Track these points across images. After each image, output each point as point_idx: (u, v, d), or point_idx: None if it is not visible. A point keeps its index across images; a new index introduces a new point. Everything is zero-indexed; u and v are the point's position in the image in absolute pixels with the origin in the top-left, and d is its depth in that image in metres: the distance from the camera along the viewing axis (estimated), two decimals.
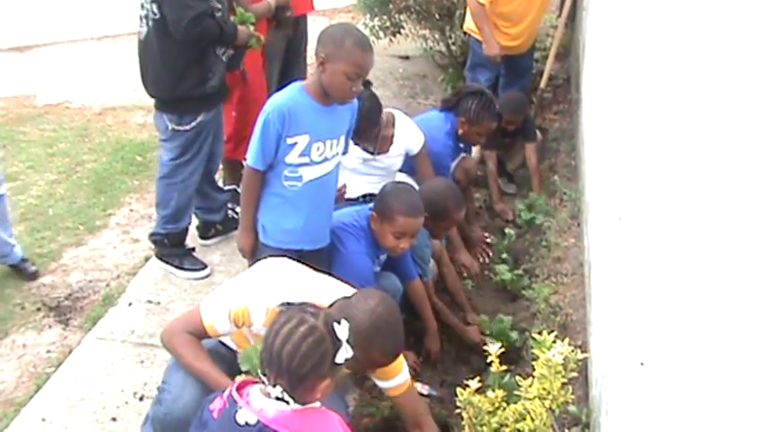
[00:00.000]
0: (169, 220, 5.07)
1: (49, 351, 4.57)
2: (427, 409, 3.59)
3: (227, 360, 3.20)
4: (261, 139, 3.78)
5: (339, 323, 2.54)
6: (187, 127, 4.79)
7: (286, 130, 3.74)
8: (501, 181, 6.62)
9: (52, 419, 4.03)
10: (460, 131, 5.36)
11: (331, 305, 3.16)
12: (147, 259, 5.38)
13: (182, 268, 5.17)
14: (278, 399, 2.51)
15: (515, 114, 6.25)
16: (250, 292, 3.15)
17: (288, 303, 2.56)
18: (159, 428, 3.29)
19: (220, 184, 5.67)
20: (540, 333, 3.22)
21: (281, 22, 5.68)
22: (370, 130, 4.73)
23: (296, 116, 3.75)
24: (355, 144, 4.73)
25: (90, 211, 6.07)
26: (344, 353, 2.53)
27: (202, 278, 5.15)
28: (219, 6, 4.63)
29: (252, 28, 4.90)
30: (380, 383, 3.44)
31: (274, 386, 2.51)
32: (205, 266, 5.21)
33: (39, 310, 4.93)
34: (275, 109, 3.75)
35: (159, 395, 3.30)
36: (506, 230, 5.76)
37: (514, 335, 4.47)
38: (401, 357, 3.35)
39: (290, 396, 2.50)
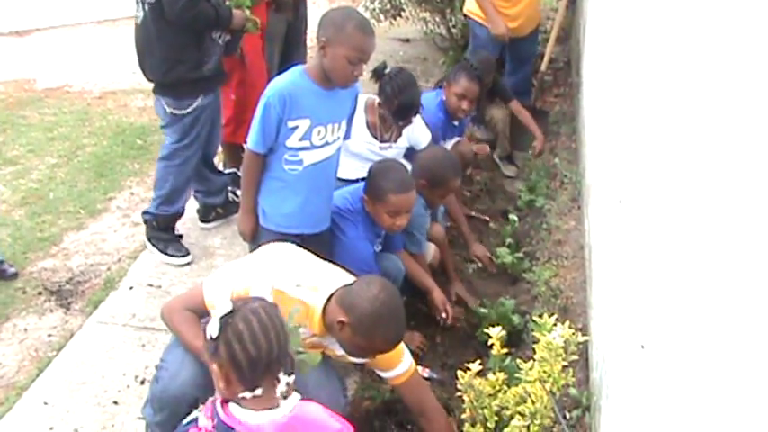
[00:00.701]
0: (163, 202, 5.08)
1: (50, 335, 4.58)
2: (432, 395, 3.59)
3: None
4: (261, 122, 3.76)
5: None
6: (185, 111, 4.80)
7: (287, 113, 3.73)
8: (501, 164, 6.60)
9: (54, 403, 4.04)
10: (445, 98, 5.42)
11: (332, 294, 3.16)
12: None
13: (165, 252, 5.19)
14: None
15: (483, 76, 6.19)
16: (253, 275, 3.16)
17: (226, 315, 2.46)
18: (157, 406, 3.30)
19: (220, 167, 5.67)
20: (540, 316, 3.23)
21: (280, 6, 5.66)
22: (406, 116, 4.74)
23: (297, 100, 3.74)
24: (369, 131, 4.76)
25: (91, 194, 6.06)
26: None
27: (182, 265, 5.15)
28: None
29: (248, 12, 4.88)
30: (383, 374, 3.43)
31: (278, 381, 2.48)
32: (187, 253, 5.21)
33: (40, 294, 4.93)
34: (276, 93, 3.74)
35: (157, 373, 3.32)
36: (510, 216, 5.75)
37: (516, 318, 4.47)
38: (402, 346, 3.35)
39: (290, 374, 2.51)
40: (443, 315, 4.46)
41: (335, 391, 3.51)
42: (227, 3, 4.78)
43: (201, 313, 3.21)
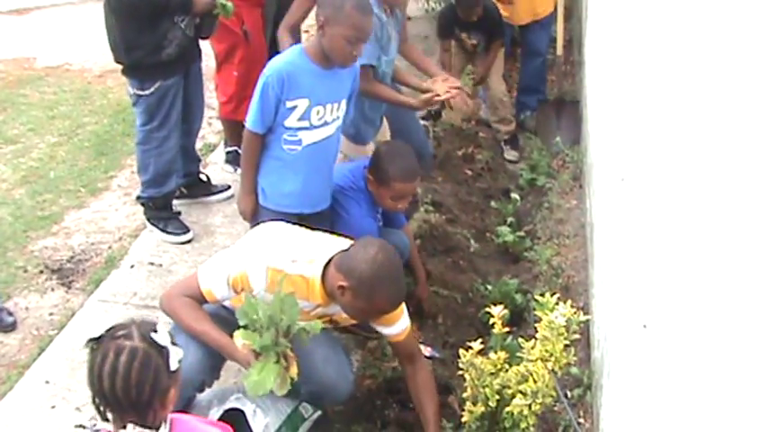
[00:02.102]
0: (150, 185, 5.08)
1: (51, 314, 4.57)
2: (419, 347, 3.69)
3: (230, 322, 3.20)
4: (260, 102, 3.75)
5: (155, 331, 2.32)
6: (147, 92, 4.78)
7: (285, 93, 3.72)
8: (504, 148, 6.56)
9: (56, 381, 4.04)
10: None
11: (330, 260, 3.17)
12: None
13: (165, 231, 5.18)
14: None
15: (470, 8, 6.17)
16: (247, 257, 3.18)
17: (93, 339, 2.28)
18: None
19: (222, 147, 5.66)
20: (542, 295, 3.22)
21: None
22: None
23: (295, 79, 3.73)
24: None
25: (91, 173, 6.05)
26: (176, 355, 2.33)
27: (184, 242, 5.15)
28: None
29: None
30: (383, 330, 3.47)
31: (125, 428, 2.27)
32: (187, 230, 5.21)
33: (41, 272, 4.92)
34: (274, 72, 3.73)
35: None
36: (512, 195, 5.74)
37: (518, 297, 4.47)
38: (402, 306, 3.37)
39: (146, 427, 2.28)
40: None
41: (343, 365, 3.55)
42: None
43: (200, 301, 3.23)
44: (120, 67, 4.85)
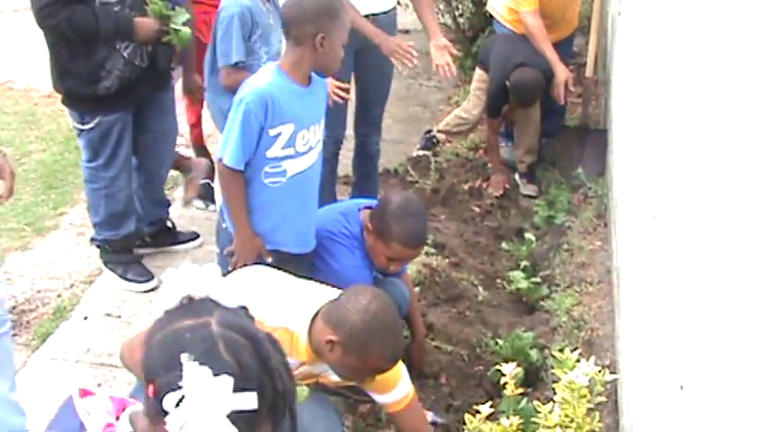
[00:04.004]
0: (103, 228, 5.10)
1: None
2: (425, 418, 3.65)
3: None
4: (241, 134, 3.73)
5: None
6: (87, 126, 4.80)
7: (270, 120, 3.73)
8: (520, 181, 6.58)
9: None
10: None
11: (317, 312, 3.17)
12: None
13: (124, 278, 5.17)
14: None
15: (527, 101, 6.31)
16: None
17: None
18: None
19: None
20: (561, 351, 3.22)
21: None
22: None
23: (279, 104, 3.75)
24: None
25: (38, 209, 6.04)
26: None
27: (147, 291, 5.13)
28: None
29: (181, 21, 4.70)
30: (378, 398, 3.45)
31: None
32: (150, 277, 5.19)
33: None
34: (256, 98, 3.73)
35: None
36: (526, 235, 5.74)
37: (534, 353, 4.46)
38: (401, 366, 3.36)
39: None
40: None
41: (333, 424, 3.52)
42: (149, 8, 4.65)
43: None
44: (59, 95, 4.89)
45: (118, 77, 4.69)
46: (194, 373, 1.71)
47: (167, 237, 5.56)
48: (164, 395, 1.72)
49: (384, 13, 5.24)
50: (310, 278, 3.63)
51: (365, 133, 5.63)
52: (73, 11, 4.42)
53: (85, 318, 4.91)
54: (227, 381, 1.71)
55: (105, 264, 5.22)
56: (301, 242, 4.06)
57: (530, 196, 6.46)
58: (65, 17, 4.42)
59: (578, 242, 5.35)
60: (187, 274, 1.91)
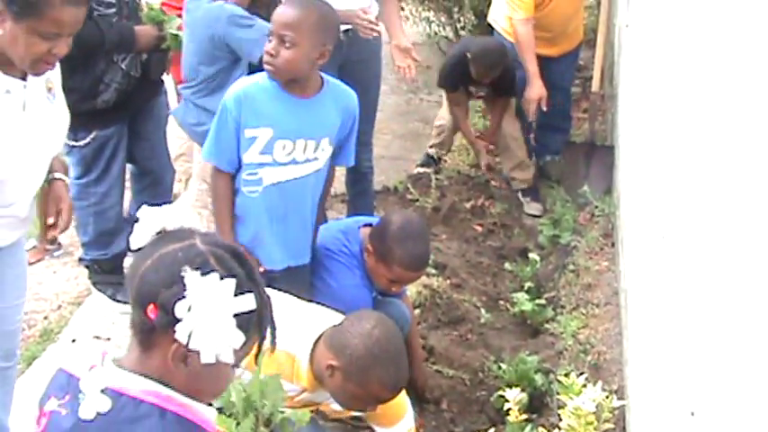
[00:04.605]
0: (91, 247, 5.09)
1: None
2: None
3: None
4: (216, 129, 3.79)
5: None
6: (81, 143, 4.79)
7: (244, 119, 3.75)
8: (524, 200, 6.59)
9: None
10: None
11: (320, 337, 3.17)
12: None
13: (114, 299, 5.15)
14: None
15: (488, 68, 6.32)
16: None
17: None
18: None
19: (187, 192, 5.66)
20: (567, 375, 3.22)
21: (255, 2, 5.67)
22: None
23: (255, 104, 3.76)
24: None
25: None
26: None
27: None
28: (111, 1, 4.55)
29: (173, 25, 4.77)
30: (380, 431, 3.44)
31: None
32: None
33: None
34: (233, 94, 3.78)
35: None
36: (530, 255, 5.75)
37: (539, 378, 4.46)
38: (404, 399, 3.36)
39: None
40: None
41: None
42: (143, 15, 4.72)
43: None
44: None
45: (116, 90, 4.72)
46: (199, 281, 1.90)
47: None
48: (173, 306, 1.89)
49: None
50: (306, 297, 3.63)
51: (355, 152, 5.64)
52: None
53: (73, 340, 4.90)
54: (231, 283, 1.91)
55: (94, 284, 5.21)
56: (289, 257, 4.00)
57: (534, 216, 6.47)
58: None
59: (584, 262, 5.35)
60: (159, 212, 2.09)
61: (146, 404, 2.01)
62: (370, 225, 4.18)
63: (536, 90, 6.29)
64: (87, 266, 5.19)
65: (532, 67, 6.26)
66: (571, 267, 5.42)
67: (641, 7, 4.91)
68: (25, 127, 3.20)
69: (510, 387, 3.42)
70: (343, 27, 4.66)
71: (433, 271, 5.33)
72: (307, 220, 4.07)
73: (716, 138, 2.51)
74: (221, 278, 1.91)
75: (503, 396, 3.39)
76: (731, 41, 2.43)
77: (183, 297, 1.89)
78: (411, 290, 4.86)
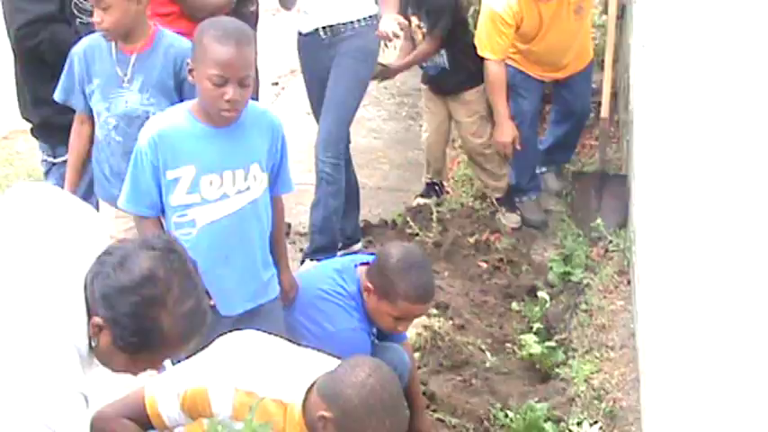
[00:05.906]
0: None
1: None
2: None
3: None
4: (132, 172, 3.79)
5: None
6: (60, 160, 4.78)
7: (163, 161, 3.73)
8: (499, 210, 6.60)
9: None
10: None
11: (313, 384, 3.15)
12: None
13: None
14: None
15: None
16: (209, 375, 3.16)
17: None
18: None
19: None
20: (579, 424, 3.22)
21: (240, 18, 5.70)
22: None
23: (171, 143, 3.74)
24: None
25: None
26: None
27: None
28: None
29: None
30: None
31: None
32: None
33: None
34: (147, 135, 3.77)
35: None
36: (539, 294, 5.73)
37: (548, 427, 4.44)
38: None
39: None
40: None
41: None
42: None
43: (143, 424, 3.20)
44: (29, 125, 4.89)
45: None
46: None
47: None
48: None
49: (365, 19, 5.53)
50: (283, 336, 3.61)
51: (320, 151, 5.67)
52: (54, 31, 4.46)
53: None
54: None
55: None
56: (224, 303, 3.91)
57: (514, 228, 6.49)
58: (45, 37, 4.45)
59: (598, 302, 5.35)
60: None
61: None
62: (367, 264, 4.15)
63: (506, 132, 6.33)
64: None
65: (503, 110, 6.30)
66: (583, 307, 5.41)
67: (659, 26, 4.93)
68: None
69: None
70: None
71: (435, 311, 5.30)
72: (255, 256, 3.98)
73: (741, 166, 2.52)
74: None
75: None
76: (757, 62, 2.44)
77: None
78: (410, 332, 4.84)
